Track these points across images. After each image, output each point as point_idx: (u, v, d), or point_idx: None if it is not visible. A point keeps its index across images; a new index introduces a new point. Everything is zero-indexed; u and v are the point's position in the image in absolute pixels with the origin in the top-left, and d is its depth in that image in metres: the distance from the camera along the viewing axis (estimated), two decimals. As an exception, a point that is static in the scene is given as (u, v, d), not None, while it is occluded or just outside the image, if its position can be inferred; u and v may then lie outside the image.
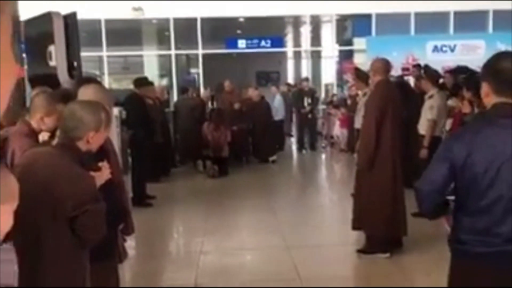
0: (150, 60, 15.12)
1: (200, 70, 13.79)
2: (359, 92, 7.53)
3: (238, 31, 15.35)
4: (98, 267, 2.17)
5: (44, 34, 5.03)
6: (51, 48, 4.96)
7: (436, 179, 2.03)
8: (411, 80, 7.81)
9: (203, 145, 8.77)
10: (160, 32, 14.57)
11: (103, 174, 2.14)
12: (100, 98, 2.52)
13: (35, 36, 5.25)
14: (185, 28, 13.25)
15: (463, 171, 1.95)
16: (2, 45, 0.59)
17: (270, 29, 14.93)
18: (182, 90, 10.21)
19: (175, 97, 12.19)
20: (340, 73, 14.23)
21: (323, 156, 11.41)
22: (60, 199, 1.90)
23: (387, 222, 4.50)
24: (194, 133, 8.94)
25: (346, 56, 14.29)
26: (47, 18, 4.98)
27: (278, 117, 11.02)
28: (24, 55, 5.11)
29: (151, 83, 7.97)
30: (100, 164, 2.16)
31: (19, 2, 5.27)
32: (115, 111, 6.87)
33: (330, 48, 14.44)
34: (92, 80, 4.29)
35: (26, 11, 5.60)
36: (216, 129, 8.70)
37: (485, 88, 2.00)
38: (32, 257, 1.86)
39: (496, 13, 12.36)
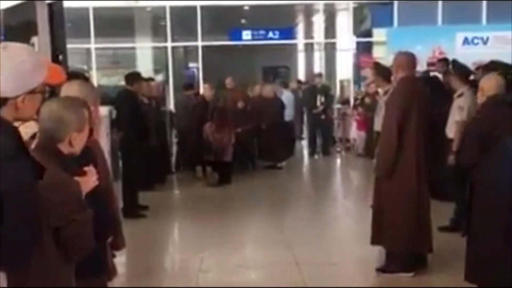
0: (143, 53, 15.21)
1: (200, 65, 13.85)
2: (379, 90, 7.51)
3: (243, 21, 15.43)
4: (85, 283, 2.18)
5: (27, 23, 5.07)
6: (34, 39, 5.00)
7: None
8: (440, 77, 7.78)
9: (204, 148, 8.75)
10: (155, 21, 14.67)
11: (89, 180, 2.14)
12: (85, 96, 2.53)
13: (16, 26, 5.30)
14: (183, 17, 13.32)
15: None
16: None
17: (279, 18, 14.98)
18: (186, 87, 10.23)
19: (171, 94, 12.23)
20: (357, 68, 14.25)
21: (338, 161, 11.40)
22: (44, 209, 1.90)
23: (410, 237, 4.48)
24: (194, 134, 8.92)
25: (364, 49, 14.30)
26: (29, 6, 5.03)
27: (287, 118, 11.03)
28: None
29: (148, 79, 7.99)
30: (85, 168, 2.16)
31: (-2, -12, 5.33)
32: (104, 110, 6.91)
33: (346, 40, 14.46)
34: (80, 76, 4.31)
35: (6, -2, 5.64)
36: (218, 130, 8.64)
37: None
38: (17, 271, 1.87)
39: (535, 0, 12.30)
